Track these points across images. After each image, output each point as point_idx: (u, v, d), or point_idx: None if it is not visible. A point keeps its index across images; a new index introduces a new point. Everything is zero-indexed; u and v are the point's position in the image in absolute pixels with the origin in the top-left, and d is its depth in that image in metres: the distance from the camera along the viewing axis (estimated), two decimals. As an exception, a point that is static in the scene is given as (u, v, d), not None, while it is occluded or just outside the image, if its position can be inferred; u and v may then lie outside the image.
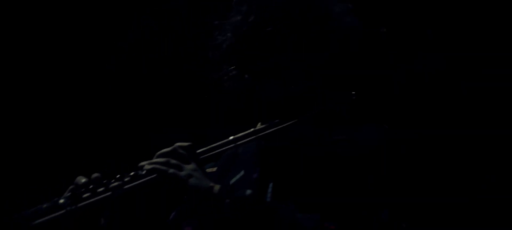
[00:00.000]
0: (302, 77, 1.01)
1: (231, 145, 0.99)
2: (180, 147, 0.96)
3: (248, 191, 0.98)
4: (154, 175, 0.93)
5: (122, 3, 2.33)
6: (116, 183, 0.92)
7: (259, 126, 1.04)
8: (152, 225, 1.01)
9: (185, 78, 2.35)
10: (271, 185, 1.01)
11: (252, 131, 0.99)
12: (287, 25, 1.00)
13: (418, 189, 0.96)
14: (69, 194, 0.91)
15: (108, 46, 2.36)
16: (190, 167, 0.94)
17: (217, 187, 0.93)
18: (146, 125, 2.34)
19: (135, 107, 2.37)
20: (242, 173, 1.01)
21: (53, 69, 2.35)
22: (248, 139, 0.98)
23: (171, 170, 0.93)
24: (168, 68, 2.36)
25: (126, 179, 0.93)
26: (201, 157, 0.99)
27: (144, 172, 0.94)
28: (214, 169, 1.11)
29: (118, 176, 0.94)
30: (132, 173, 0.94)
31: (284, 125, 0.97)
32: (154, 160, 0.96)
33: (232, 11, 1.07)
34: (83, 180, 0.93)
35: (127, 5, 2.33)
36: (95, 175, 0.94)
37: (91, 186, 0.92)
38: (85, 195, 0.91)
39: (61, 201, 0.89)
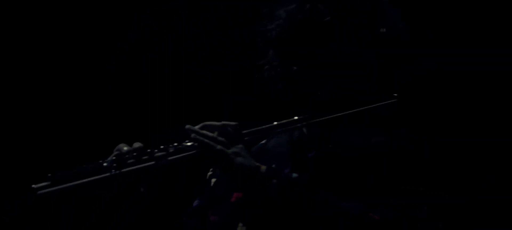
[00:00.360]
0: (355, 74, 1.00)
1: (277, 130, 0.98)
2: (228, 125, 0.95)
3: (294, 174, 0.96)
4: (199, 150, 0.92)
5: (122, 3, 2.33)
6: (160, 153, 0.91)
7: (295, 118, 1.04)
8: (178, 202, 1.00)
9: (185, 78, 2.35)
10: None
11: (298, 119, 0.98)
12: (342, 17, 0.99)
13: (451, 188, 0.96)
14: (113, 158, 0.90)
15: (108, 46, 2.36)
16: (237, 145, 0.94)
17: (264, 167, 0.93)
18: (146, 125, 2.34)
19: (135, 107, 2.37)
20: (273, 167, 1.01)
21: (53, 69, 2.35)
22: (293, 126, 0.97)
23: (219, 147, 0.92)
24: (168, 68, 2.36)
25: (170, 150, 0.92)
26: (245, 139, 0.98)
27: (189, 144, 0.93)
28: None
29: (162, 146, 0.93)
30: (176, 144, 0.94)
31: (330, 116, 0.96)
32: (202, 132, 0.94)
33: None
34: (126, 147, 0.92)
35: (127, 5, 2.33)
36: (137, 144, 0.93)
37: (135, 154, 0.91)
38: (129, 161, 0.90)
39: (105, 164, 0.89)
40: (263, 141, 1.13)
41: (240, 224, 0.99)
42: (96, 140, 2.33)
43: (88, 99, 2.36)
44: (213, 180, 1.07)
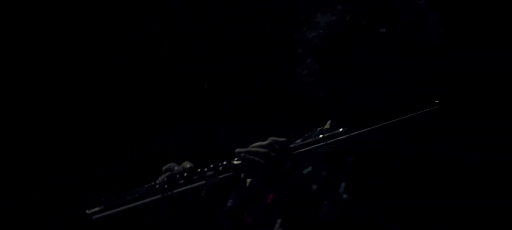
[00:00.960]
0: (400, 83, 0.99)
1: (322, 143, 0.97)
2: (276, 142, 0.95)
3: (345, 195, 0.95)
4: (248, 169, 0.94)
5: (122, 3, 2.33)
6: (210, 172, 0.93)
7: (328, 125, 1.04)
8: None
9: (185, 78, 2.35)
10: (343, 185, 0.99)
11: (342, 131, 0.97)
12: (384, 25, 0.99)
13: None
14: (165, 179, 0.92)
15: (108, 46, 2.36)
16: (286, 162, 0.94)
17: (314, 187, 0.93)
18: (146, 125, 2.34)
19: (135, 107, 2.37)
20: (309, 169, 1.00)
21: (53, 69, 2.35)
22: (338, 138, 0.97)
23: (268, 165, 0.93)
24: (168, 68, 2.36)
25: (219, 169, 0.94)
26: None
27: (238, 162, 0.94)
28: None
29: (211, 165, 0.94)
30: (225, 163, 0.95)
31: (372, 128, 0.95)
32: (251, 150, 0.94)
33: (326, 8, 1.05)
34: (176, 167, 0.94)
35: (127, 5, 2.33)
36: (188, 164, 0.95)
37: (185, 174, 0.92)
38: (180, 182, 0.92)
39: (157, 186, 0.91)
40: None
41: (277, 226, 0.99)
42: (96, 140, 2.33)
43: (88, 99, 2.36)
44: (249, 180, 1.07)
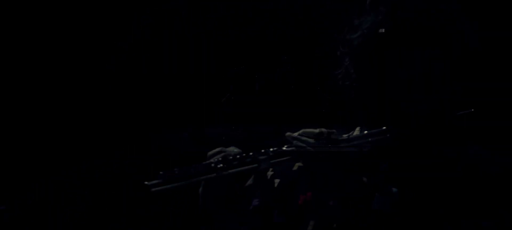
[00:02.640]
0: (434, 87, 0.98)
1: (369, 139, 0.96)
2: (325, 132, 0.96)
3: (394, 189, 0.95)
4: (299, 156, 0.95)
5: (122, 3, 2.33)
6: (263, 157, 0.94)
7: (357, 131, 1.03)
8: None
9: (185, 78, 2.35)
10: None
11: (386, 129, 0.97)
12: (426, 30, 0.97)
13: None
14: (220, 158, 0.93)
15: (108, 46, 2.36)
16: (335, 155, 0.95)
17: (365, 179, 0.94)
18: (146, 125, 2.34)
19: (135, 107, 2.37)
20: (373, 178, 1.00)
21: (53, 69, 2.35)
22: (382, 136, 0.96)
23: (321, 155, 0.94)
24: (168, 68, 2.36)
25: (271, 154, 0.95)
26: None
27: (289, 149, 0.95)
28: None
29: (263, 150, 0.95)
30: (276, 148, 0.96)
31: (405, 132, 0.95)
32: (301, 138, 0.95)
33: (367, 10, 1.03)
34: (236, 150, 0.96)
35: (127, 5, 2.33)
36: (235, 149, 0.96)
37: (238, 156, 0.94)
38: (234, 163, 0.94)
39: (213, 165, 0.92)
40: None
41: (310, 228, 0.99)
42: (96, 140, 2.33)
43: (88, 99, 2.36)
44: (277, 180, 1.07)
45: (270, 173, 1.08)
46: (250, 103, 2.28)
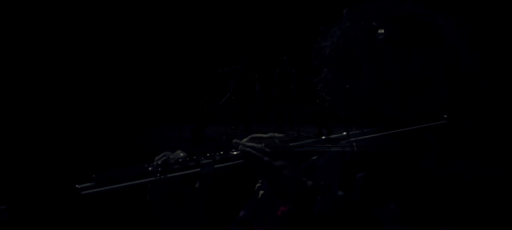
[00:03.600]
0: (415, 93, 0.97)
1: (324, 144, 0.95)
2: (275, 137, 0.95)
3: (340, 192, 0.93)
4: (246, 159, 0.93)
5: (122, 3, 2.34)
6: (206, 161, 0.92)
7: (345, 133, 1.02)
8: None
9: (184, 78, 2.36)
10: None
11: (346, 134, 0.96)
12: (397, 34, 0.95)
13: None
14: (159, 162, 0.92)
15: (109, 46, 2.36)
16: (284, 158, 0.93)
17: (310, 183, 0.92)
18: (144, 125, 2.35)
19: (134, 107, 2.37)
20: (320, 183, 0.99)
21: (53, 69, 2.36)
22: (341, 141, 0.95)
23: (266, 158, 0.92)
24: (167, 68, 2.37)
25: (216, 158, 0.93)
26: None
27: (235, 153, 0.94)
28: None
29: (208, 154, 0.93)
30: (222, 153, 0.94)
31: (378, 134, 0.92)
32: (249, 144, 0.94)
33: (343, 19, 1.02)
34: (171, 155, 0.94)
35: (127, 5, 2.34)
36: (181, 153, 0.94)
37: (180, 160, 0.92)
38: (175, 167, 0.92)
39: (150, 168, 0.90)
40: (314, 158, 1.12)
41: None
42: (95, 139, 2.34)
43: (87, 99, 2.37)
44: (261, 192, 1.07)
45: (258, 185, 1.09)
46: (250, 103, 2.28)
